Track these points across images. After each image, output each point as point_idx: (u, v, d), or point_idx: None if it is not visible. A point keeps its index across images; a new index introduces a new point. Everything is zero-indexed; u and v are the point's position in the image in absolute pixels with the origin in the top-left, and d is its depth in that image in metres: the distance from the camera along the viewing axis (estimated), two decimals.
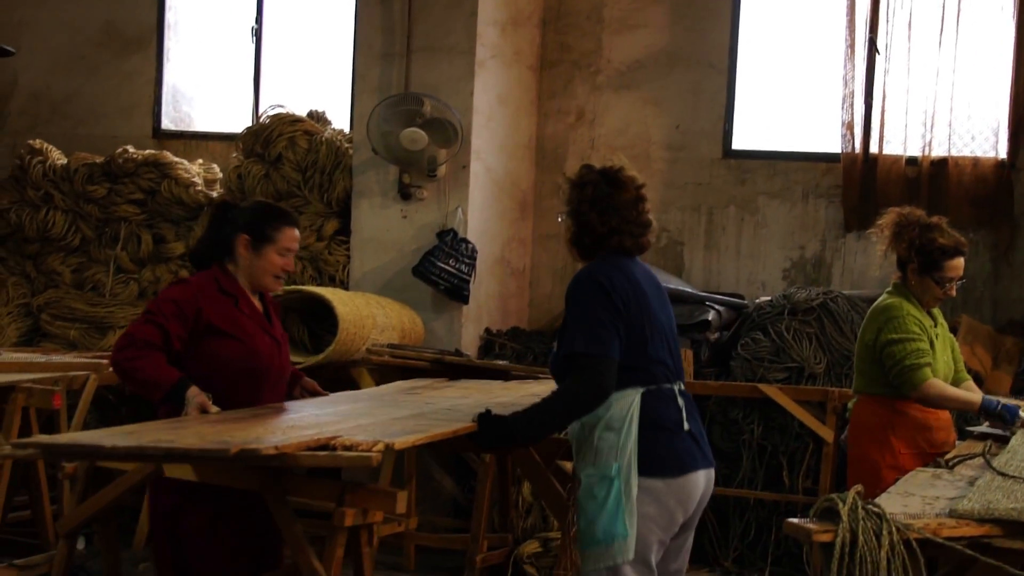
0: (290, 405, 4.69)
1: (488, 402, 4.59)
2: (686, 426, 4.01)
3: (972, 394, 5.33)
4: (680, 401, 4.05)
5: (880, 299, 5.37)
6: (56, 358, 6.62)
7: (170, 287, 4.61)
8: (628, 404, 3.93)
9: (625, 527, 3.87)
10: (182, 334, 4.44)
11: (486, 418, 3.98)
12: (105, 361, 6.28)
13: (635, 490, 3.88)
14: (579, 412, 3.94)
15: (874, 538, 3.39)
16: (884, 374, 5.22)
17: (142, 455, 3.60)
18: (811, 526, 3.46)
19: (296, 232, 4.70)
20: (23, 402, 5.83)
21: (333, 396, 5.05)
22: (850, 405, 5.52)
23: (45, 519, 5.94)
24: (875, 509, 3.47)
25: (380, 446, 3.52)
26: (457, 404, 4.69)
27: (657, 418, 3.96)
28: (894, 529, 3.42)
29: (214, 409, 4.28)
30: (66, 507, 4.03)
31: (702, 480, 4.04)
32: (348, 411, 4.47)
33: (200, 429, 3.87)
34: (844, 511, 3.41)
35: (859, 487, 3.56)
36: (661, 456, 3.93)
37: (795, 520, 3.53)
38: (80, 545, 6.60)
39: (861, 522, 3.41)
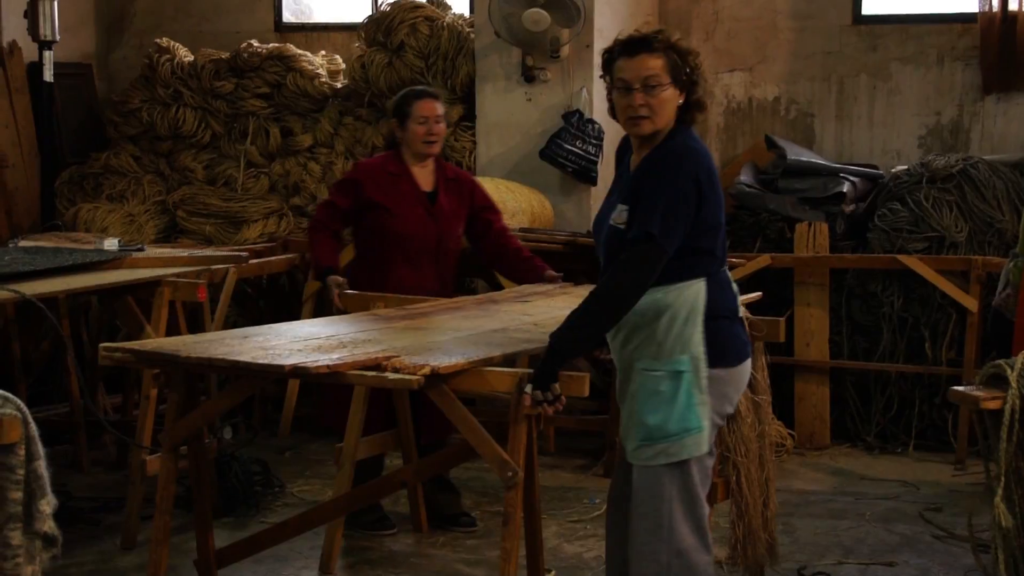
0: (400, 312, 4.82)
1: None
2: (741, 311, 3.87)
3: None
4: (735, 286, 3.90)
5: None
6: (197, 252, 6.73)
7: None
8: (695, 293, 3.73)
9: (699, 420, 3.71)
10: (347, 205, 5.54)
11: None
12: (245, 253, 6.45)
13: (705, 382, 3.71)
14: (624, 311, 3.68)
15: None
16: None
17: (210, 366, 3.86)
18: (978, 393, 3.40)
19: (430, 102, 5.53)
20: (169, 295, 5.94)
21: (443, 301, 5.11)
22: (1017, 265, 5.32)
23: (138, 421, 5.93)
24: None
25: (426, 370, 3.60)
26: (552, 316, 4.50)
27: (718, 306, 3.78)
28: None
29: (344, 292, 5.31)
30: (167, 419, 4.14)
31: (749, 365, 3.94)
32: (438, 323, 4.51)
33: (272, 343, 4.04)
34: (1013, 377, 3.34)
35: None
36: (724, 345, 3.77)
37: (961, 388, 3.47)
38: (228, 435, 6.81)
39: None
